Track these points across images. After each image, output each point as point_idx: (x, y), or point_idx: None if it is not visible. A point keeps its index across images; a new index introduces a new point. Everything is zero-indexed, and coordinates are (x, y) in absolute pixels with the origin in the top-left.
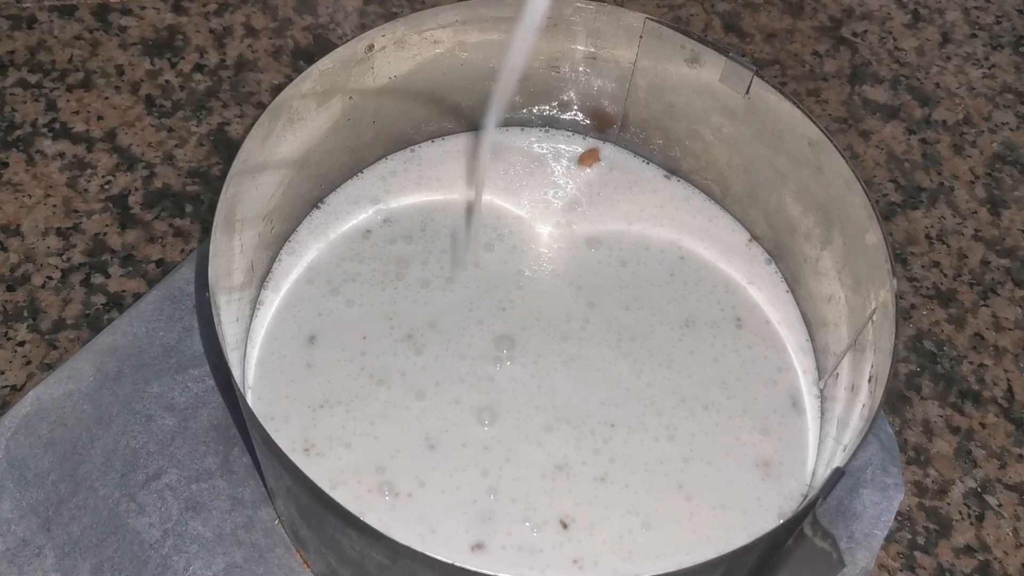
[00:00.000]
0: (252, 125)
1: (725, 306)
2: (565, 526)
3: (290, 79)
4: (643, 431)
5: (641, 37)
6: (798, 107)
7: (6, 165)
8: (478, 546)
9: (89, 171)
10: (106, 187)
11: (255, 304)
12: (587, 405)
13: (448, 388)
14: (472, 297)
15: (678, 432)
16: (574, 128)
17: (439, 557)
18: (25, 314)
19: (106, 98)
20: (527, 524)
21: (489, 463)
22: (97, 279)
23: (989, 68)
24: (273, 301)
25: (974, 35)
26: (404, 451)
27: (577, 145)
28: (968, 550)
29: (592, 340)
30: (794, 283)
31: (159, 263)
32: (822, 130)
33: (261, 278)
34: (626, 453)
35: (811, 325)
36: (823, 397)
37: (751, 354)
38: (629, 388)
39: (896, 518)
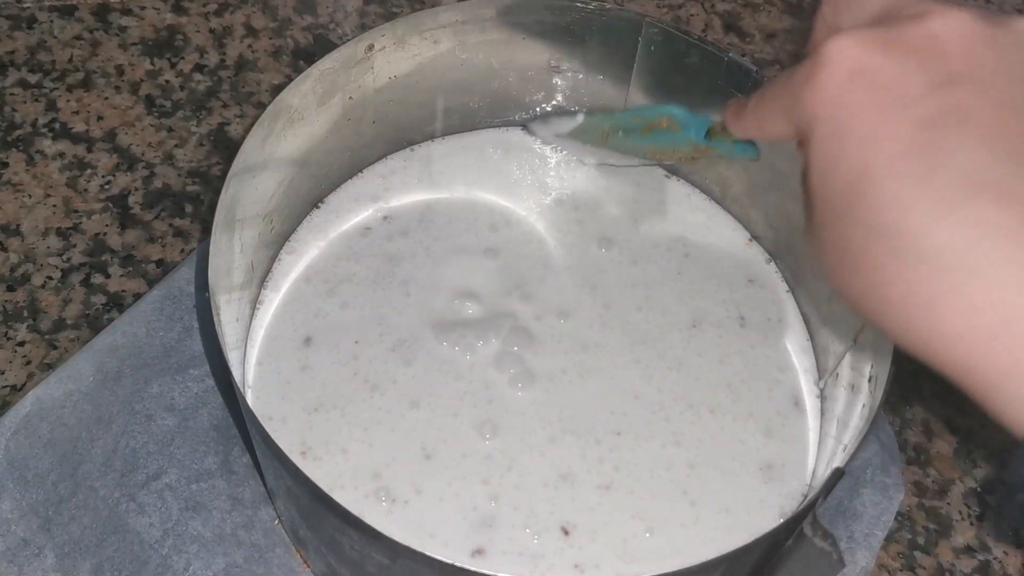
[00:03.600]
0: (252, 125)
1: (729, 305)
2: (567, 532)
3: (290, 79)
4: (650, 438)
5: (641, 37)
6: None
7: (6, 165)
8: (478, 551)
9: (89, 171)
10: (106, 187)
11: (255, 304)
12: (596, 416)
13: (445, 401)
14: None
15: (685, 438)
16: None
17: (439, 557)
18: (25, 314)
19: (106, 98)
20: (528, 530)
21: (490, 472)
22: (97, 279)
23: None
24: (273, 301)
25: None
26: (400, 459)
27: None
28: (968, 550)
29: (608, 346)
30: (794, 283)
31: (159, 263)
32: None
33: (261, 278)
34: (632, 461)
35: (811, 324)
36: (823, 397)
37: (755, 354)
38: (639, 395)
39: (896, 518)
